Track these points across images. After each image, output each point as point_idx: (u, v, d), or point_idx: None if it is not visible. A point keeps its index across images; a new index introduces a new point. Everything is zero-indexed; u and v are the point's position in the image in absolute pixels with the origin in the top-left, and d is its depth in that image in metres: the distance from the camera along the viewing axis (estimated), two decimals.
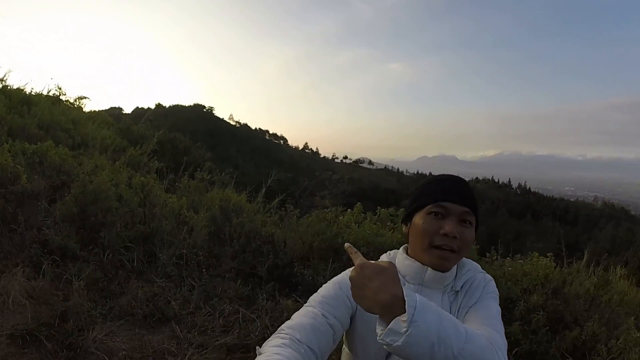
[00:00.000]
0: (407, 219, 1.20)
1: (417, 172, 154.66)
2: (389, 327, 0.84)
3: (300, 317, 1.06)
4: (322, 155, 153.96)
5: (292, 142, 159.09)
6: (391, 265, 0.91)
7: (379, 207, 5.47)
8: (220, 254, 3.86)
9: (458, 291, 1.16)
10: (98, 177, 3.97)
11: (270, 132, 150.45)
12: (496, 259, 4.19)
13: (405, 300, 0.83)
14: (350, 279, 0.90)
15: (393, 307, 0.84)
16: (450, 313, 1.05)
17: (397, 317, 0.83)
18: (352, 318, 1.15)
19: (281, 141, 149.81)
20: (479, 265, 1.24)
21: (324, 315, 1.06)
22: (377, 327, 0.88)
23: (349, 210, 5.33)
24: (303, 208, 6.72)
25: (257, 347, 0.96)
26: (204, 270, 3.53)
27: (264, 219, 4.74)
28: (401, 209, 5.45)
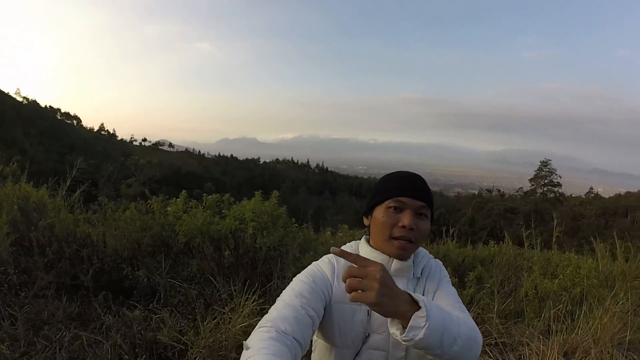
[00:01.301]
0: (368, 212, 1.27)
1: (219, 154, 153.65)
2: (410, 324, 0.94)
3: (280, 310, 1.07)
4: (119, 138, 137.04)
5: (86, 123, 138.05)
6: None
7: (205, 195, 5.21)
8: (30, 267, 3.08)
9: (419, 277, 1.29)
10: None
11: (62, 110, 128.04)
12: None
13: (416, 300, 0.97)
14: (382, 278, 0.93)
15: (407, 311, 0.96)
16: None
17: (415, 314, 0.95)
18: (324, 309, 1.19)
19: (74, 121, 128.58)
20: (427, 251, 1.38)
21: (303, 308, 1.08)
22: (390, 327, 0.99)
23: (175, 199, 4.94)
24: (110, 198, 5.93)
25: (244, 342, 0.97)
26: (20, 292, 2.75)
27: (75, 217, 3.97)
28: (227, 194, 5.32)
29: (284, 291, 1.16)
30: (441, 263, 1.37)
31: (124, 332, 2.53)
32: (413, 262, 1.28)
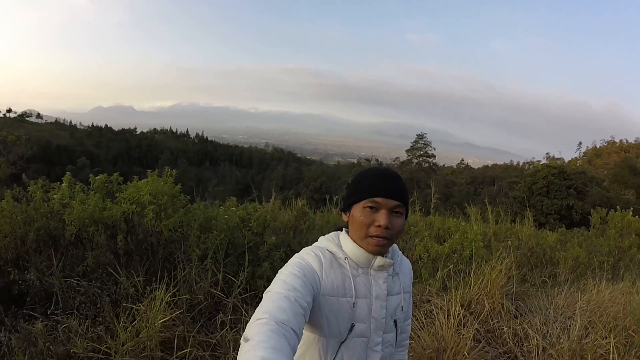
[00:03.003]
0: (346, 209, 1.35)
1: (93, 125, 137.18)
2: None
3: (277, 301, 1.08)
4: None
5: None
6: None
7: (91, 176, 4.64)
8: None
9: (398, 272, 1.41)
10: None
11: None
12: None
13: None
14: None
15: None
16: (397, 293, 1.37)
17: None
18: (313, 301, 1.22)
19: None
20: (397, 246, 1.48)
21: (296, 300, 1.11)
22: None
23: (59, 183, 4.34)
24: None
25: (242, 334, 0.96)
26: None
27: None
28: (115, 174, 4.79)
29: (273, 283, 1.18)
30: (409, 261, 1.53)
31: (30, 351, 2.18)
32: (392, 258, 1.38)
